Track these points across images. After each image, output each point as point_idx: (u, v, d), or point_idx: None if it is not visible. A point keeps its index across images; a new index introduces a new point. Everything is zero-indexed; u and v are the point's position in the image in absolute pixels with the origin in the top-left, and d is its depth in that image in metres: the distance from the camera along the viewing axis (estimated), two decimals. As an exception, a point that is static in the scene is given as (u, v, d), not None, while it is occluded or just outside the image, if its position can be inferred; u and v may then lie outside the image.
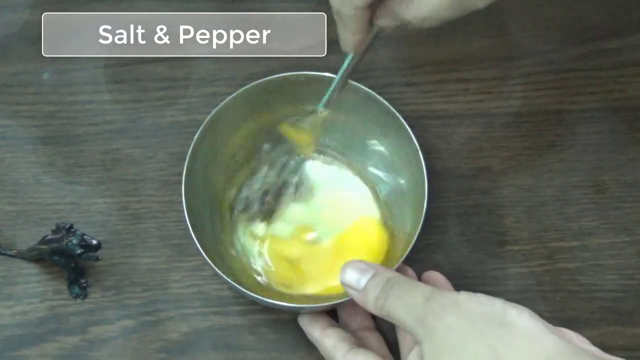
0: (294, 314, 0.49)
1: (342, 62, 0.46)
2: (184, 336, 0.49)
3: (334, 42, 0.58)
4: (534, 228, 0.53)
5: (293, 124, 0.51)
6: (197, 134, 0.48)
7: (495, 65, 0.58)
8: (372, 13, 0.41)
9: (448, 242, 0.52)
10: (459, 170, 0.55)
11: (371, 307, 0.41)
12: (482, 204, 0.53)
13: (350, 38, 0.42)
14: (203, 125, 0.48)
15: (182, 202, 0.46)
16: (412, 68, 0.58)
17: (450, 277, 0.48)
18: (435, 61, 0.59)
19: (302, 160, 0.53)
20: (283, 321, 0.50)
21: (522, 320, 0.36)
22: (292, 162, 0.53)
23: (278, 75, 0.50)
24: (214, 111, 0.49)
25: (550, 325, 0.36)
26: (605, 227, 0.53)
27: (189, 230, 0.45)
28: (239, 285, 0.45)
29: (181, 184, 0.47)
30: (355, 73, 0.47)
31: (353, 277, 0.42)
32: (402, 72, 0.58)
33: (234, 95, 0.49)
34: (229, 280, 0.44)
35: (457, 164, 0.55)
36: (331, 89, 0.47)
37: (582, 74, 0.58)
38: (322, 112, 0.48)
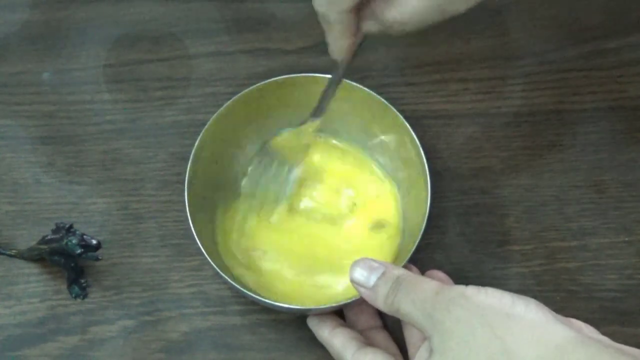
0: (294, 314, 0.49)
1: (333, 69, 0.45)
2: (184, 336, 0.49)
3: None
4: (534, 228, 0.53)
5: (284, 137, 0.50)
6: (199, 137, 0.48)
7: (495, 65, 0.58)
8: (358, 17, 0.41)
9: (448, 242, 0.52)
10: (459, 170, 0.55)
11: (381, 304, 0.41)
12: (482, 204, 0.53)
13: (338, 44, 0.42)
14: (205, 127, 0.48)
15: (182, 201, 0.46)
16: (412, 68, 0.58)
17: (450, 277, 0.48)
18: (435, 61, 0.59)
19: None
20: (283, 321, 0.50)
21: (529, 311, 0.36)
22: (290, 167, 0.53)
23: (279, 77, 0.50)
24: (216, 113, 0.49)
25: (559, 316, 0.36)
26: (605, 227, 0.53)
27: (189, 229, 0.45)
28: (239, 285, 0.45)
29: (181, 183, 0.47)
30: (353, 74, 0.46)
31: (363, 275, 0.42)
32: (402, 72, 0.58)
33: (235, 97, 0.49)
34: (229, 280, 0.44)
35: (457, 164, 0.55)
36: (322, 98, 0.47)
37: (582, 74, 0.58)
38: (314, 121, 0.48)
